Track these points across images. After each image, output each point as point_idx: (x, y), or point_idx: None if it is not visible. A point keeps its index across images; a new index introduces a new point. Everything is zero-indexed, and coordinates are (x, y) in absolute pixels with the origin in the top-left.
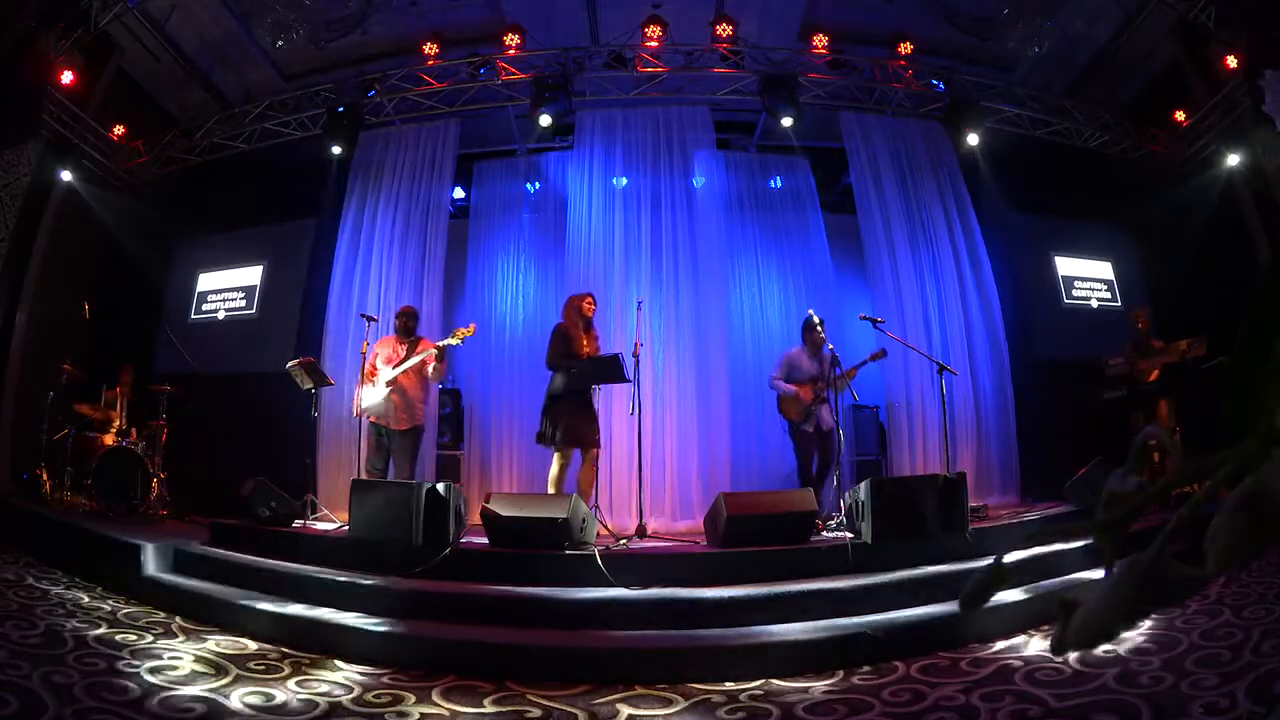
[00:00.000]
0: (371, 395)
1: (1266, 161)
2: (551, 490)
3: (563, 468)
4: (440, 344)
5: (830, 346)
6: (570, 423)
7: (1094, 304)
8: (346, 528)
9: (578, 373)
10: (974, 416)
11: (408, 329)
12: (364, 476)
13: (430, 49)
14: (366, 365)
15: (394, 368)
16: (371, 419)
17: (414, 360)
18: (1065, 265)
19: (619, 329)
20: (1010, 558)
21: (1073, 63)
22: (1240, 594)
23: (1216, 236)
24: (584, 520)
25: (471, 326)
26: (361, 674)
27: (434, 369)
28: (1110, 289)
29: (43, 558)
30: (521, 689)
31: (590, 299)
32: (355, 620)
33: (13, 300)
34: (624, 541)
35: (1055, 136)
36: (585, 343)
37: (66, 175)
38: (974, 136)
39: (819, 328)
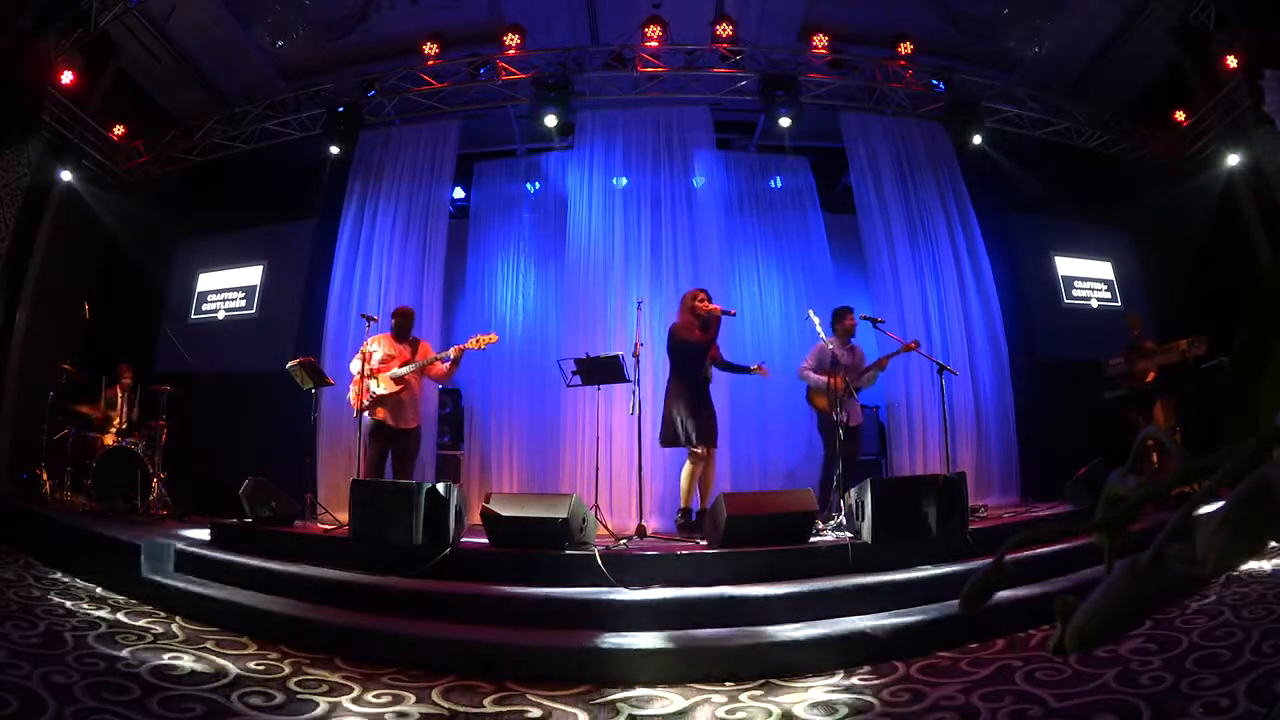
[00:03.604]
0: (377, 393)
1: (1266, 161)
2: (684, 490)
3: (695, 466)
4: (462, 347)
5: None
6: (700, 421)
7: (1094, 304)
8: (347, 528)
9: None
10: (974, 416)
11: (405, 329)
12: (366, 476)
13: (430, 49)
14: (367, 365)
15: (400, 366)
16: (377, 416)
17: (428, 360)
18: (1065, 265)
19: (619, 329)
20: (1010, 558)
21: (1073, 63)
22: (1240, 594)
23: (1216, 236)
24: (584, 520)
25: (493, 335)
26: (361, 674)
27: (447, 370)
28: (1110, 289)
29: (43, 558)
30: (521, 689)
31: (702, 294)
32: (355, 620)
33: (13, 300)
34: (624, 541)
35: (1055, 136)
36: (701, 339)
37: (66, 175)
38: (974, 136)
39: (849, 316)
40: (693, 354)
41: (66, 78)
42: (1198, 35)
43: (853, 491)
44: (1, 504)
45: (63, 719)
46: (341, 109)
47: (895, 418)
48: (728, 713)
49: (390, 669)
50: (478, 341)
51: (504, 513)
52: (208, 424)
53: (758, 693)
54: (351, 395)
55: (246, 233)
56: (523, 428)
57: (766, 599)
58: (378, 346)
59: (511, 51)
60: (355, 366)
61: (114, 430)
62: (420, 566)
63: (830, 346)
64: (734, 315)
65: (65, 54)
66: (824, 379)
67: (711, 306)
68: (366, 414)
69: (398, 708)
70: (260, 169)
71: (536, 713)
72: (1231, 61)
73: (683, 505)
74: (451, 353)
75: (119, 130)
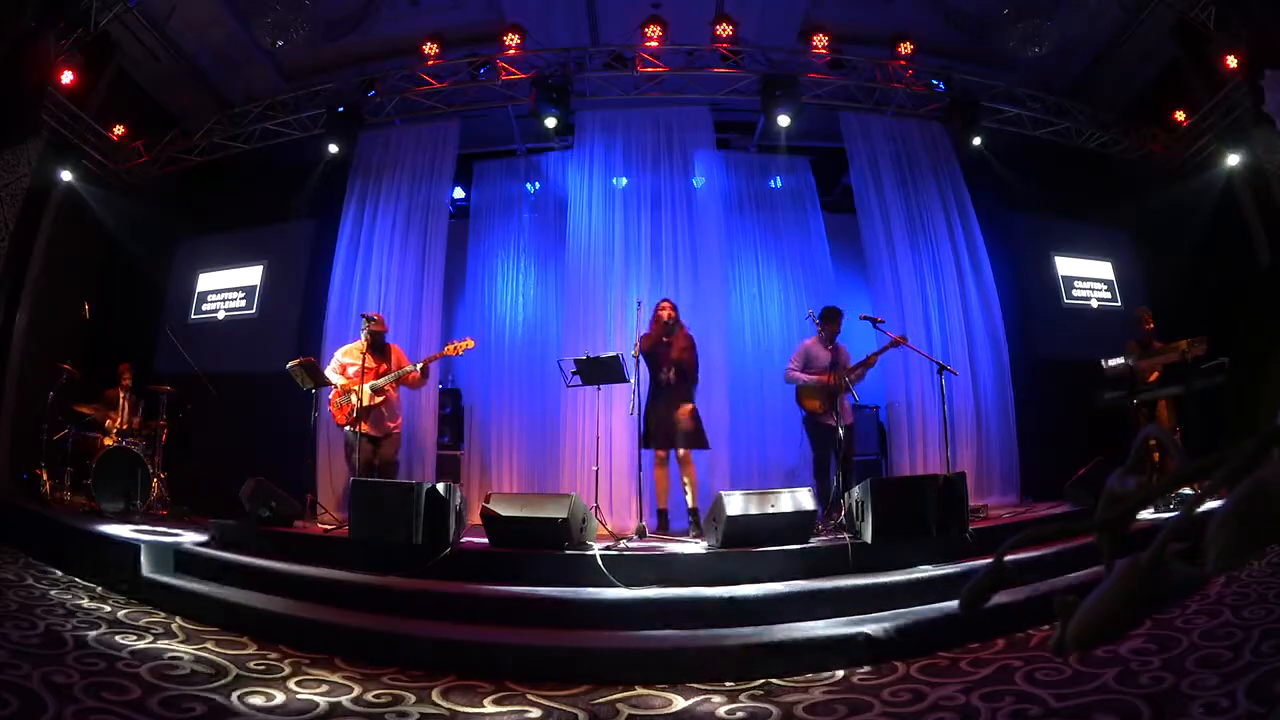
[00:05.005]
0: (360, 406)
1: (1266, 161)
2: (659, 489)
3: (658, 468)
4: (436, 356)
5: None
6: (651, 425)
7: (1094, 304)
8: (346, 528)
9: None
10: (974, 416)
11: (380, 338)
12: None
13: (430, 49)
14: (344, 376)
15: (378, 377)
16: (360, 428)
17: (403, 371)
18: (1065, 265)
19: (619, 329)
20: (1010, 558)
21: (1073, 63)
22: (1240, 594)
23: (1216, 236)
24: (584, 520)
25: (469, 341)
26: (361, 674)
27: (417, 380)
28: (1110, 289)
29: (43, 558)
30: (521, 689)
31: (663, 304)
32: (355, 620)
33: (13, 300)
34: (624, 541)
35: (1055, 136)
36: (655, 344)
37: (66, 175)
38: (975, 136)
39: (836, 319)
40: (650, 360)
41: (66, 78)
42: (1198, 35)
43: (853, 491)
44: (1, 504)
45: (63, 719)
46: (341, 109)
47: (895, 418)
48: (727, 713)
49: (390, 669)
50: (455, 348)
51: (504, 513)
52: (208, 424)
53: (758, 693)
54: (334, 408)
55: (246, 233)
56: (523, 428)
57: (766, 599)
58: (353, 359)
59: (511, 51)
60: (332, 378)
61: (114, 430)
62: (420, 566)
63: (825, 348)
64: (674, 318)
65: (65, 54)
66: (812, 378)
67: (664, 315)
68: (349, 428)
69: (398, 708)
70: (260, 169)
71: (536, 713)
72: (1231, 61)
73: (658, 506)
74: (435, 357)
75: (119, 130)
